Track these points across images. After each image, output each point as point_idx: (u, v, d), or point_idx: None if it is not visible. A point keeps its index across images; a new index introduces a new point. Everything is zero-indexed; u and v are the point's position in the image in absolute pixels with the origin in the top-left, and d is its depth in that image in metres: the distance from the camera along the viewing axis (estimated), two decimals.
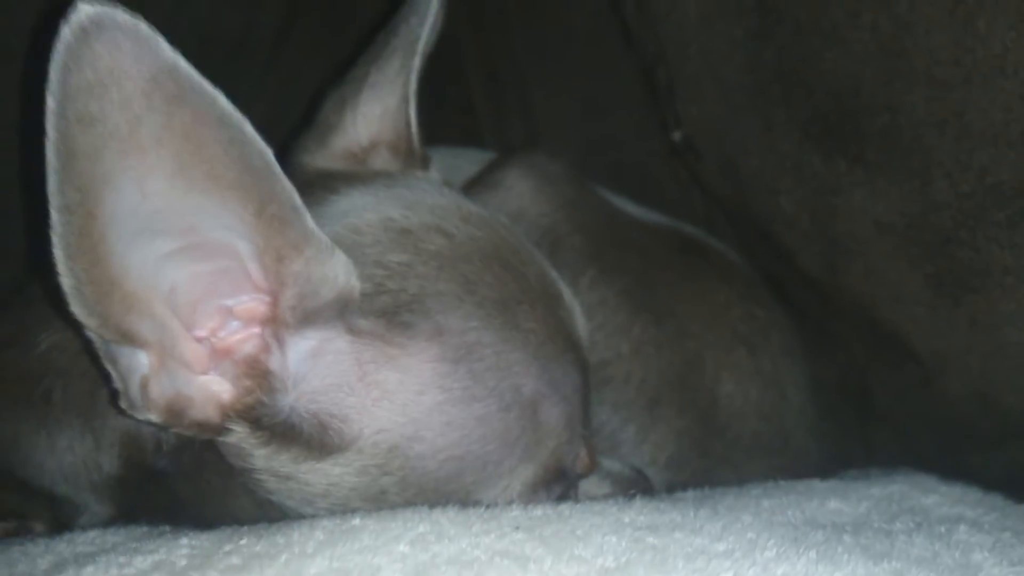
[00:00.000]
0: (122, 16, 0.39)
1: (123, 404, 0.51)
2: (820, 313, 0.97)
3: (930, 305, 0.80)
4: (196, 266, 0.48)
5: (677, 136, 0.96)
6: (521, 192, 0.85)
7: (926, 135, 0.72)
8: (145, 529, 0.56)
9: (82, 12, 0.39)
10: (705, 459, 0.86)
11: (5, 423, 0.68)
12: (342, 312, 0.52)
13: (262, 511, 0.57)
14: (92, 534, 0.55)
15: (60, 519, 0.71)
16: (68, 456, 0.64)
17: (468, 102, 1.08)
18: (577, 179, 0.90)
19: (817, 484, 0.66)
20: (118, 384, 0.50)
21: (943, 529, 0.55)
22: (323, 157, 0.69)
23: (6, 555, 0.53)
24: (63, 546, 0.53)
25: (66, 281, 0.45)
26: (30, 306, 0.67)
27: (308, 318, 0.51)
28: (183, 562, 0.47)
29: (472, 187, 0.84)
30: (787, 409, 0.92)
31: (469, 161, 0.93)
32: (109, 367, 0.50)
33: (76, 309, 0.45)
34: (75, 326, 0.48)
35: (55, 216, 0.43)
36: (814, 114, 0.81)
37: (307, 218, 0.48)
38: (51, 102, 0.40)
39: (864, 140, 0.77)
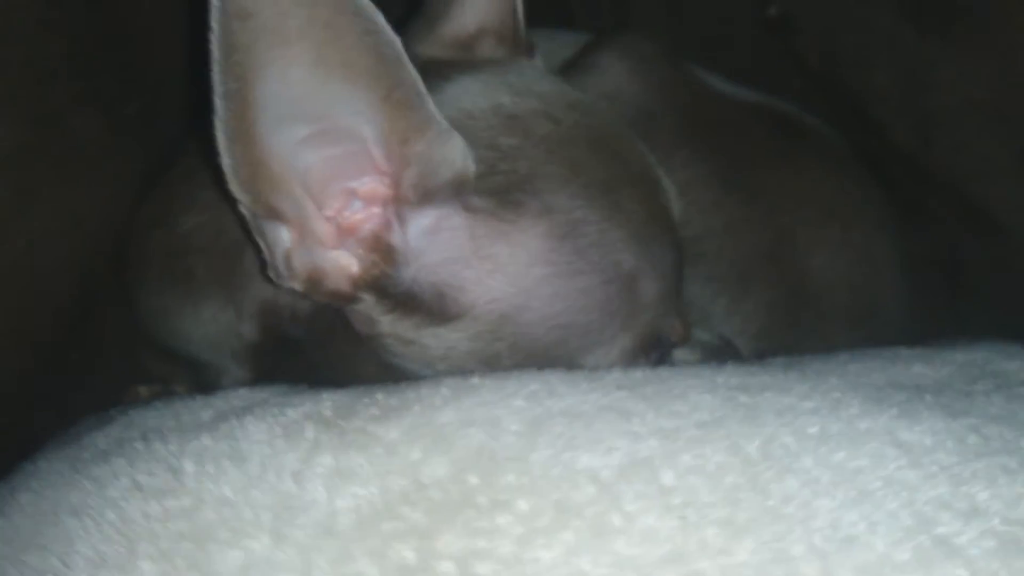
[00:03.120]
0: None
1: (271, 274, 0.57)
2: (913, 189, 0.97)
3: (1019, 179, 0.81)
4: (326, 151, 0.53)
5: (773, 10, 0.96)
6: (617, 73, 0.87)
7: (1015, 12, 0.73)
8: (286, 388, 0.62)
9: None
10: (794, 330, 0.89)
11: (153, 295, 0.75)
12: (459, 191, 0.57)
13: (385, 375, 0.63)
14: (242, 392, 0.61)
15: (201, 384, 0.79)
16: (211, 325, 0.71)
17: None
18: (672, 59, 0.92)
19: (903, 351, 0.68)
20: (266, 255, 0.57)
21: (1023, 391, 0.58)
22: (431, 45, 0.72)
23: (171, 408, 0.60)
24: (219, 401, 0.60)
25: (225, 161, 0.50)
26: (173, 189, 0.74)
27: (427, 196, 0.56)
28: (329, 413, 0.53)
29: (568, 70, 0.87)
30: (878, 282, 0.94)
31: (562, 44, 0.95)
32: (259, 240, 0.56)
33: (232, 186, 0.52)
34: (231, 202, 0.54)
35: (217, 103, 0.48)
36: None
37: (429, 103, 0.52)
38: None
39: (954, 15, 0.78)
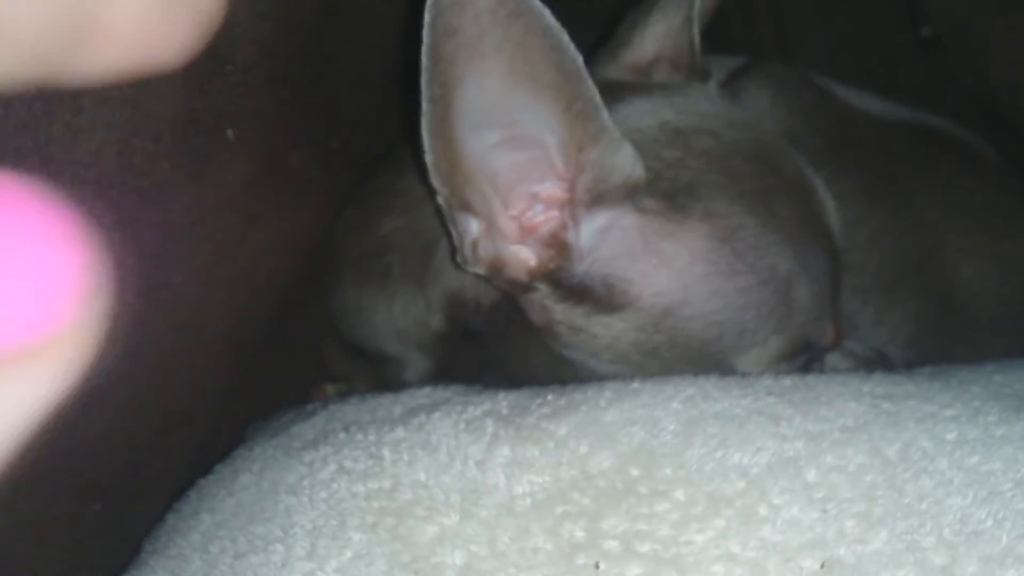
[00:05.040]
0: None
1: (459, 259, 0.65)
2: None
3: None
4: (513, 156, 0.60)
5: (926, 32, 0.99)
6: (759, 100, 0.91)
7: None
8: (465, 387, 0.70)
9: None
10: (942, 338, 0.91)
11: (350, 292, 0.85)
12: (630, 194, 0.63)
13: (555, 365, 0.70)
14: (427, 389, 0.69)
15: (385, 380, 0.87)
16: (402, 318, 0.80)
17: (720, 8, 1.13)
18: (813, 85, 0.95)
19: None
20: (457, 243, 0.65)
21: None
22: (613, 69, 0.79)
23: (366, 404, 0.68)
24: (407, 398, 0.68)
25: (428, 157, 0.58)
26: (369, 197, 0.84)
27: (600, 199, 0.63)
28: (505, 410, 0.60)
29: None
30: None
31: (718, 67, 1.00)
32: (452, 228, 0.64)
33: (434, 179, 0.59)
34: (430, 196, 0.62)
35: (424, 106, 0.56)
36: None
37: (605, 115, 0.59)
38: (427, 17, 0.53)
39: None
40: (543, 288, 0.65)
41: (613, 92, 0.73)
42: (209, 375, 0.76)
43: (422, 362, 0.82)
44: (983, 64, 0.95)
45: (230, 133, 0.64)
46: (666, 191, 0.65)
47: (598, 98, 0.58)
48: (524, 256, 0.64)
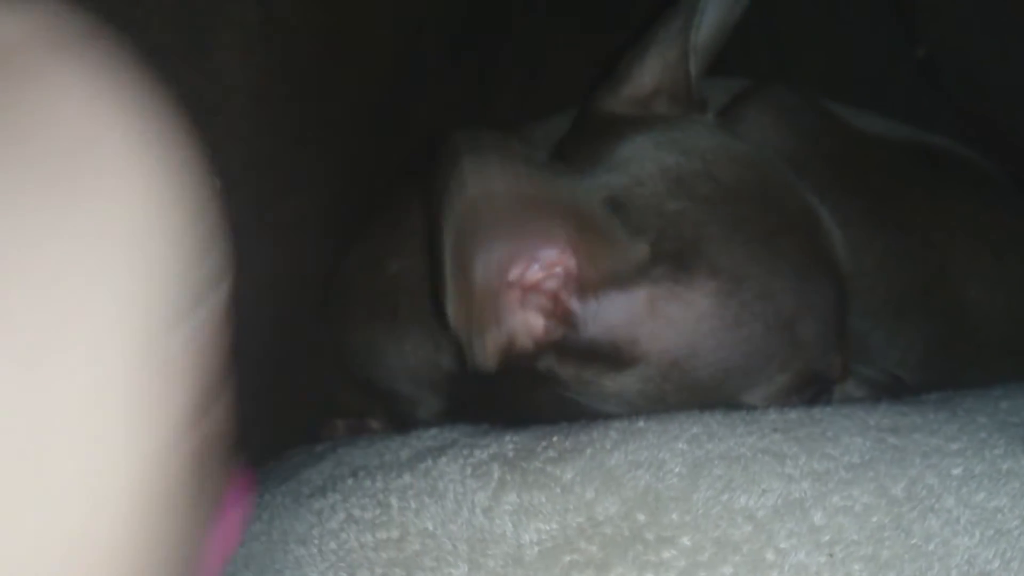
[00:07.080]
0: (489, 138, 0.53)
1: (469, 368, 0.65)
2: None
3: None
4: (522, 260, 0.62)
5: (920, 52, 0.99)
6: (762, 125, 0.91)
7: None
8: (471, 427, 0.70)
9: (455, 141, 0.53)
10: (953, 360, 0.91)
11: (359, 331, 0.85)
12: (637, 271, 0.64)
13: (562, 406, 0.70)
14: (434, 431, 0.69)
15: (397, 416, 0.87)
16: (412, 358, 0.80)
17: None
18: (816, 108, 0.95)
19: None
20: (468, 357, 0.64)
21: None
22: (613, 103, 0.79)
23: (374, 447, 0.68)
24: (415, 441, 0.68)
25: (450, 311, 0.60)
26: (376, 236, 0.84)
27: (609, 283, 0.64)
28: (511, 454, 0.60)
29: (719, 122, 0.92)
30: None
31: (719, 89, 0.99)
32: (463, 346, 0.64)
33: (455, 328, 0.61)
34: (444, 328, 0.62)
35: (449, 283, 0.58)
36: None
37: (617, 231, 0.61)
38: (448, 228, 0.55)
39: None
40: (549, 356, 0.66)
41: (615, 128, 0.73)
42: None
43: (433, 401, 0.82)
44: (977, 85, 0.95)
45: (216, 182, 0.65)
46: (671, 252, 0.65)
47: (612, 226, 0.61)
48: (531, 322, 0.64)
